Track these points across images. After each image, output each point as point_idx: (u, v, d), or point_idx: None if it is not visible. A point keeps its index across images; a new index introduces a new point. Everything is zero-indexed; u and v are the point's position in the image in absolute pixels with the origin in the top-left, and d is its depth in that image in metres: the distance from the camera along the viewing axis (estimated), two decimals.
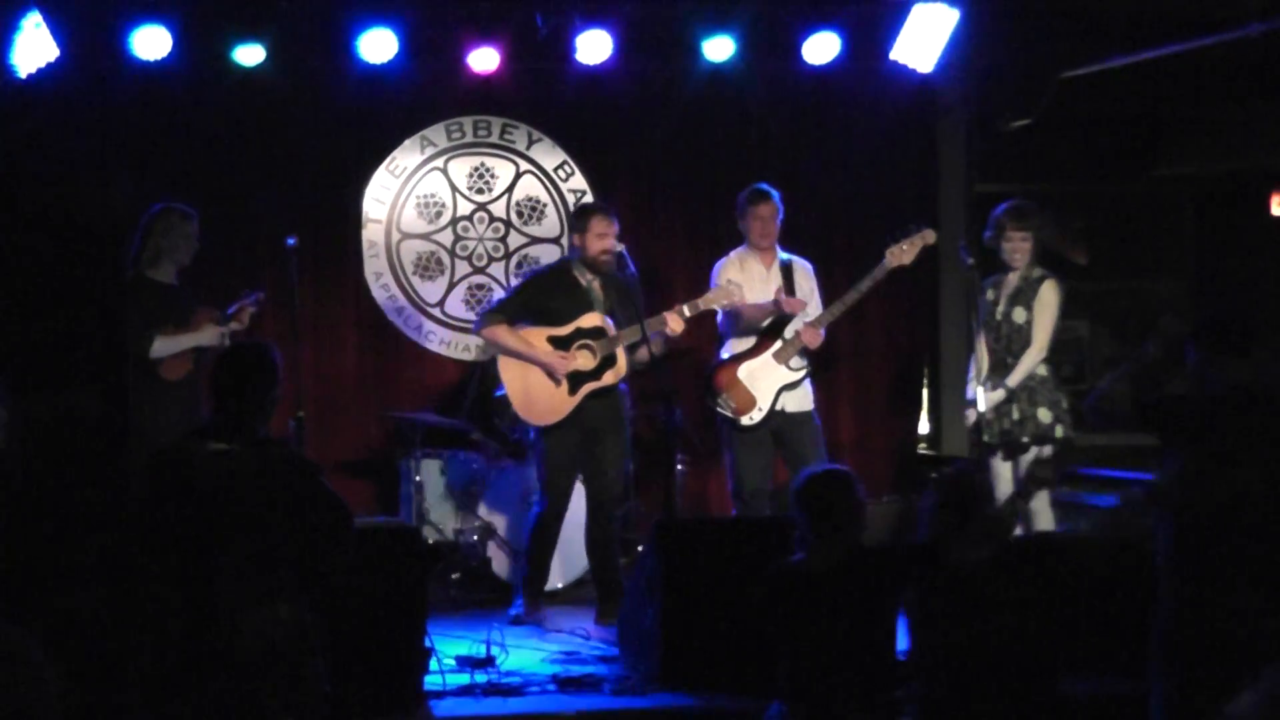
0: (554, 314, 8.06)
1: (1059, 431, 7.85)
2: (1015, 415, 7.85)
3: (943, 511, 5.42)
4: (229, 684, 4.71)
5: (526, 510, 8.89)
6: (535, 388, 8.02)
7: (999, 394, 7.83)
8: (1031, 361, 7.87)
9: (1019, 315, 7.91)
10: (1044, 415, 7.84)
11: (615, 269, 8.13)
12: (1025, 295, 7.92)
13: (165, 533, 4.82)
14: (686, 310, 8.03)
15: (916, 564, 5.40)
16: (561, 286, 8.11)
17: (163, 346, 7.67)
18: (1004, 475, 7.92)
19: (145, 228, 7.86)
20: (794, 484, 5.53)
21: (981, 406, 7.84)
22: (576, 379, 8.02)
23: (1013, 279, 7.99)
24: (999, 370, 7.95)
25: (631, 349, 8.07)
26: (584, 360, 8.03)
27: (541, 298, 8.10)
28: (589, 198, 10.08)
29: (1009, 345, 7.94)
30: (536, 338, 8.05)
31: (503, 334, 8.05)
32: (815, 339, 8.18)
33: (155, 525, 4.85)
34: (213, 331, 7.76)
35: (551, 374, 7.98)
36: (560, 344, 8.03)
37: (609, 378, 8.06)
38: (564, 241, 10.22)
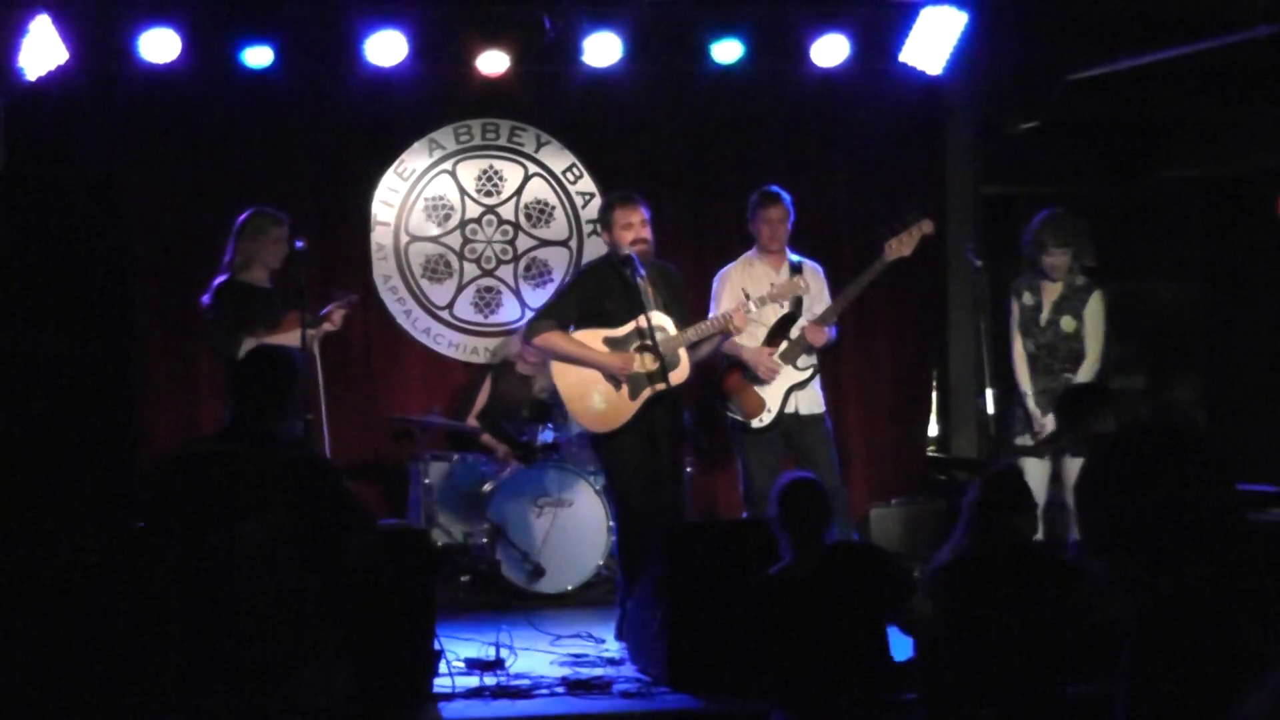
0: (609, 315, 7.64)
1: None
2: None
3: (980, 507, 5.47)
4: (251, 686, 4.73)
5: (536, 513, 8.89)
6: (595, 394, 7.60)
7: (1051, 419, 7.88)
8: (1089, 375, 7.90)
9: (1067, 324, 7.95)
10: None
11: (655, 259, 7.75)
12: (1071, 303, 7.94)
13: (179, 533, 4.83)
14: (753, 306, 7.87)
15: (894, 588, 5.45)
16: (612, 285, 7.68)
17: (250, 348, 7.73)
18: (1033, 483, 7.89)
19: (236, 233, 7.97)
20: (772, 492, 5.61)
21: (989, 410, 7.89)
22: (638, 382, 7.61)
23: (1056, 285, 8.01)
24: (1046, 375, 7.99)
25: (692, 348, 7.71)
26: (646, 363, 7.63)
27: (596, 298, 7.68)
28: (597, 200, 10.08)
29: (1054, 351, 7.96)
30: (592, 340, 7.64)
31: (557, 340, 7.62)
32: (819, 337, 8.12)
33: (168, 525, 4.87)
34: (299, 335, 7.81)
35: (612, 378, 7.62)
36: (617, 345, 7.63)
37: (673, 379, 7.60)
38: (572, 244, 10.23)
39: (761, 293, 7.96)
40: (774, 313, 8.16)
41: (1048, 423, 7.93)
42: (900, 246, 8.09)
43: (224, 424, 5.13)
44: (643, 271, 7.62)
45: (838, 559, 5.49)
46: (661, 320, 7.63)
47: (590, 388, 7.64)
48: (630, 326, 7.64)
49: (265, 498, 4.78)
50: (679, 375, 7.64)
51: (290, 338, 7.84)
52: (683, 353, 7.64)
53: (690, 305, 8.04)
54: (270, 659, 4.72)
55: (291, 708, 4.73)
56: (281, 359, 5.11)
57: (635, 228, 7.65)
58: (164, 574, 4.92)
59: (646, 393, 7.62)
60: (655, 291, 7.69)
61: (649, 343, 7.60)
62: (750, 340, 8.17)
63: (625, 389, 7.62)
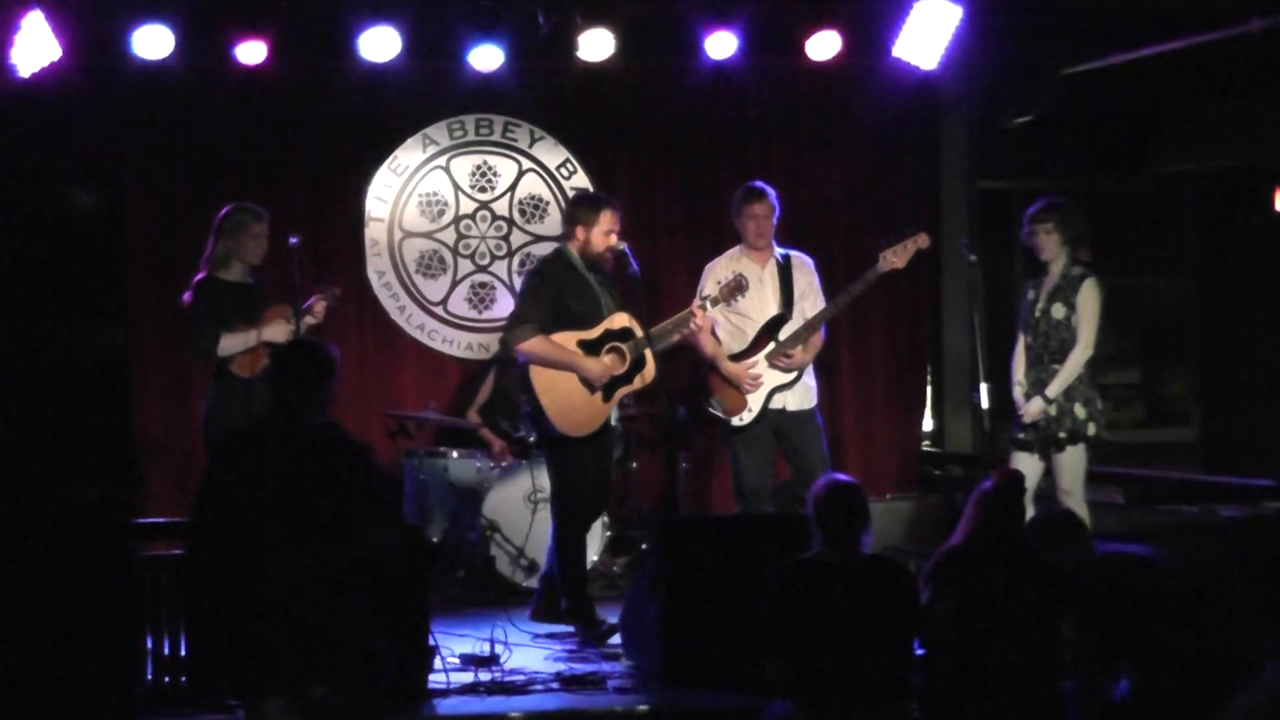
0: (576, 316, 7.72)
1: (1091, 429, 7.86)
2: (1053, 411, 7.87)
3: (988, 502, 5.52)
4: (292, 657, 4.94)
5: (531, 509, 8.87)
6: (571, 397, 7.65)
7: (1038, 404, 7.87)
8: (1076, 362, 7.87)
9: (1058, 311, 7.92)
10: (1079, 411, 7.85)
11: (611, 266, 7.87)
12: (1064, 292, 7.93)
13: (230, 511, 5.08)
14: (709, 305, 7.94)
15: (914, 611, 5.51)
16: (575, 286, 7.76)
17: (229, 344, 7.77)
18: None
19: (216, 229, 7.94)
20: (810, 492, 5.64)
21: (984, 404, 7.88)
22: (610, 385, 7.73)
23: (1052, 276, 8.00)
24: (1036, 366, 7.98)
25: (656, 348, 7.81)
26: (616, 364, 7.73)
27: (564, 300, 7.71)
28: None
29: (1045, 342, 7.95)
30: (568, 343, 7.69)
31: (543, 346, 7.63)
32: (788, 363, 8.12)
33: (221, 504, 5.12)
34: (282, 328, 7.81)
35: (589, 382, 7.68)
36: (590, 348, 7.70)
37: (640, 381, 7.80)
38: None
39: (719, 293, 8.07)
40: (763, 313, 8.17)
41: (1031, 408, 7.92)
42: (894, 258, 8.12)
43: (269, 408, 5.41)
44: (636, 267, 7.68)
45: (872, 566, 5.53)
46: (627, 321, 7.75)
47: (568, 391, 7.68)
48: (601, 329, 7.74)
49: (305, 474, 5.06)
50: (646, 376, 7.77)
51: (266, 333, 7.82)
52: (648, 353, 7.72)
53: (652, 306, 8.07)
54: (310, 634, 4.93)
55: (332, 680, 4.95)
56: (317, 351, 5.39)
57: (613, 234, 7.78)
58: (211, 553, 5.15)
59: (618, 394, 7.77)
60: (605, 290, 7.83)
61: (619, 345, 7.73)
62: (739, 340, 8.18)
63: (599, 393, 7.70)
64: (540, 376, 7.68)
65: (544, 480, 8.92)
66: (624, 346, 7.75)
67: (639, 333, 7.69)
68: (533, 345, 7.65)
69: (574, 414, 7.68)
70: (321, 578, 4.98)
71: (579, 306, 7.73)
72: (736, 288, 8.00)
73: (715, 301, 7.98)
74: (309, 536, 4.99)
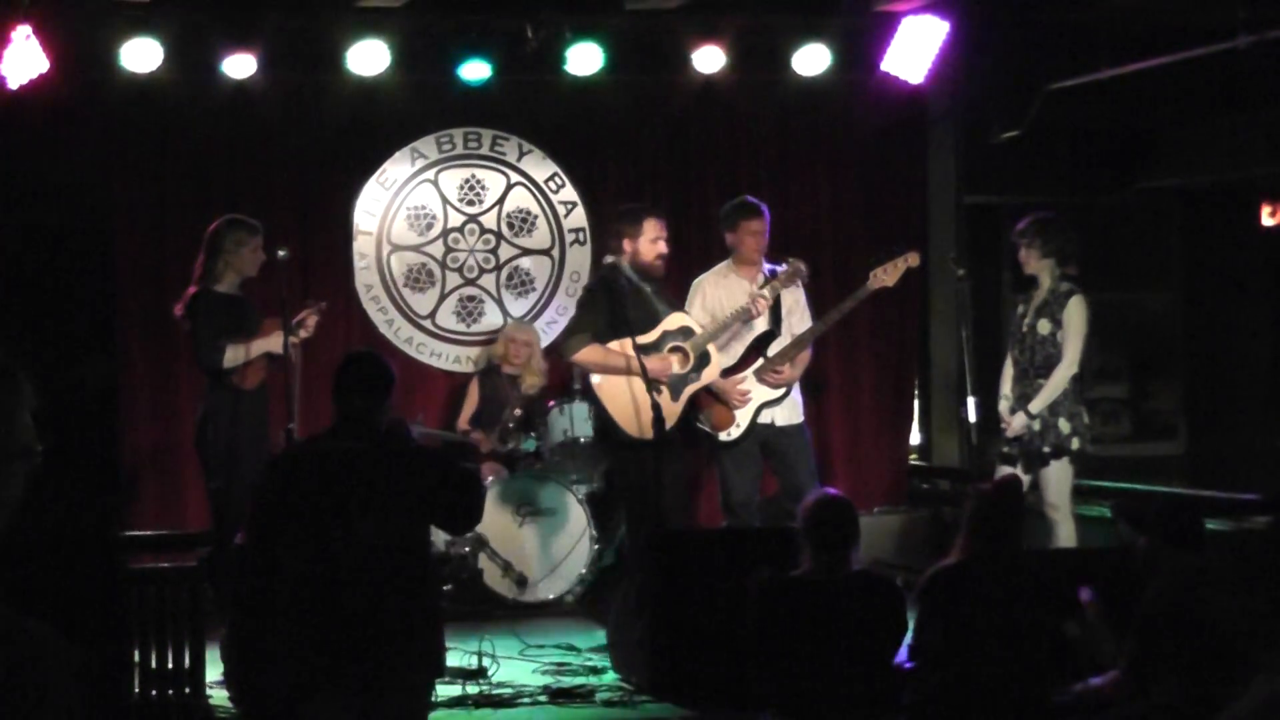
0: (632, 323, 7.71)
1: (1075, 444, 7.89)
2: (1036, 426, 7.89)
3: (983, 514, 5.54)
4: (363, 666, 5.03)
5: (518, 523, 8.86)
6: (637, 401, 7.67)
7: (1020, 420, 7.90)
8: (1060, 379, 7.91)
9: (1043, 327, 7.96)
10: (1064, 426, 7.88)
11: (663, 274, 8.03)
12: (1051, 308, 7.97)
13: (298, 519, 5.16)
14: (767, 293, 8.00)
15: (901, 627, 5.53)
16: (631, 295, 7.84)
17: (234, 356, 7.76)
18: None
19: (212, 243, 7.88)
20: (801, 506, 5.66)
21: (972, 418, 7.89)
22: (676, 384, 7.86)
23: (1041, 291, 8.04)
24: (1021, 380, 8.01)
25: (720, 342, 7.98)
26: (679, 362, 7.85)
27: (620, 309, 7.77)
28: (580, 209, 10.08)
29: (1032, 357, 7.98)
30: (625, 348, 7.72)
31: (596, 354, 7.77)
32: (776, 379, 8.15)
33: (288, 513, 5.19)
34: (278, 341, 7.78)
35: (654, 383, 7.63)
36: (650, 351, 7.75)
37: (708, 376, 7.92)
38: (554, 253, 10.21)
39: (736, 303, 8.07)
40: (751, 328, 8.19)
41: (1014, 422, 7.95)
42: (884, 276, 8.14)
43: (332, 422, 5.46)
44: (638, 285, 7.74)
45: (859, 582, 5.54)
46: (685, 320, 7.88)
47: (633, 396, 7.72)
48: (658, 331, 7.85)
49: (377, 483, 5.16)
50: (712, 372, 7.88)
51: (268, 344, 7.81)
52: (712, 348, 7.89)
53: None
54: (381, 640, 5.03)
55: (399, 684, 5.06)
56: (380, 363, 5.54)
57: (660, 241, 7.89)
58: (275, 564, 5.22)
59: (687, 392, 7.87)
60: (660, 299, 7.96)
61: (680, 344, 7.84)
62: (728, 357, 8.19)
63: (666, 393, 7.77)
64: (604, 386, 7.80)
65: (531, 493, 8.95)
66: (686, 345, 7.86)
67: (699, 330, 7.85)
68: (585, 355, 7.81)
69: (641, 416, 7.67)
70: (404, 574, 5.12)
71: (635, 313, 7.78)
72: (796, 273, 8.10)
73: (775, 289, 8.04)
74: (395, 537, 5.12)
